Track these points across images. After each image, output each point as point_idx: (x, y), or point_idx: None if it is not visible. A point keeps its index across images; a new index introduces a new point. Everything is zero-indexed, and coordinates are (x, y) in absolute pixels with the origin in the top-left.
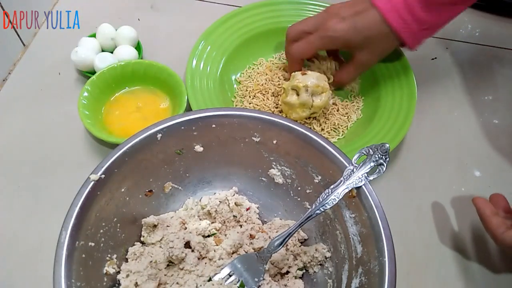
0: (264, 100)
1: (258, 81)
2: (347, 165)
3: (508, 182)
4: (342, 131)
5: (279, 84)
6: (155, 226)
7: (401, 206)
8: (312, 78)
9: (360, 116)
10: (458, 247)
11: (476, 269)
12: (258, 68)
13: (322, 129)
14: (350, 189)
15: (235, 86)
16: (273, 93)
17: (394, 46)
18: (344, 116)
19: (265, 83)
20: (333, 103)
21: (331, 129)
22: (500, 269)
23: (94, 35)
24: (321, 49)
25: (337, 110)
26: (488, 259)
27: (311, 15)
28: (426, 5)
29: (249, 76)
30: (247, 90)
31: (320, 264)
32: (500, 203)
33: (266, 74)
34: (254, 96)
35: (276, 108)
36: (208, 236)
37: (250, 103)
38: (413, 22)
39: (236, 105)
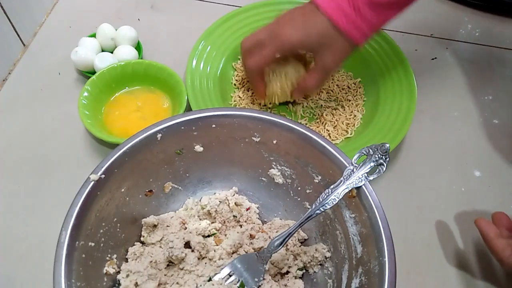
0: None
1: None
2: (347, 165)
3: (508, 182)
4: (351, 129)
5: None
6: (155, 226)
7: (401, 206)
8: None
9: (363, 112)
10: (458, 247)
11: (476, 269)
12: None
13: (334, 126)
14: (350, 189)
15: (233, 78)
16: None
17: (348, 46)
18: (350, 115)
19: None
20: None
21: (345, 127)
22: (499, 268)
23: (94, 35)
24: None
25: (343, 111)
26: (488, 259)
27: None
28: (372, 4)
29: None
30: (243, 79)
31: (320, 264)
32: (503, 221)
33: None
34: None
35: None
36: (208, 236)
37: (243, 94)
38: (359, 20)
39: (232, 95)
